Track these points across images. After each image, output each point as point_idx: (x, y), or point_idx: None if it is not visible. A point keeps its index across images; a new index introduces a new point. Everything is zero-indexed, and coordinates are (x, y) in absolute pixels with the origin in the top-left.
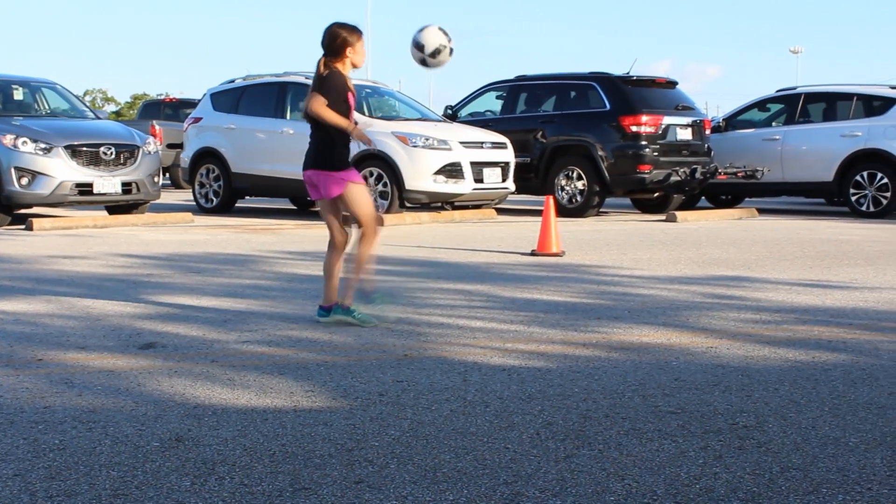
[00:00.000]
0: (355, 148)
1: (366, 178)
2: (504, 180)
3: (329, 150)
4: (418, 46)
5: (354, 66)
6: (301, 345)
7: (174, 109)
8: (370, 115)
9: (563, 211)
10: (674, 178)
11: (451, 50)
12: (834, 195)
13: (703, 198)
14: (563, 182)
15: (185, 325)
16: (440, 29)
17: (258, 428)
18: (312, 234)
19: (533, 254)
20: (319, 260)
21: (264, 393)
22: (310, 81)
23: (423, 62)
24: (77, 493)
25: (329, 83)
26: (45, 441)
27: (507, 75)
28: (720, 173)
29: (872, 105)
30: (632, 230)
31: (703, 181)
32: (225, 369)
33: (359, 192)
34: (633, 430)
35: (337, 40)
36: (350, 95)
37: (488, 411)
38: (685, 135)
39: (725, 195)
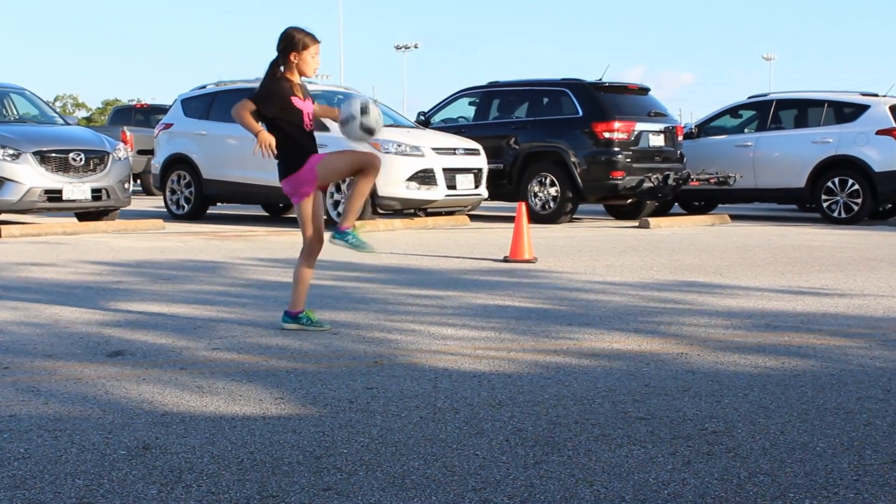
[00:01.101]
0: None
1: (338, 186)
2: (477, 187)
3: (288, 152)
4: (348, 120)
5: (301, 74)
6: (271, 352)
7: (145, 115)
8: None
9: (536, 217)
10: (646, 185)
11: (374, 101)
12: (806, 201)
13: (675, 204)
14: (536, 188)
15: (155, 332)
16: (363, 100)
17: (226, 435)
18: (284, 241)
19: (505, 260)
20: (291, 267)
21: (233, 400)
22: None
23: (368, 129)
24: (42, 502)
25: (263, 88)
26: (10, 450)
27: (480, 81)
28: (693, 180)
29: (843, 112)
30: (605, 236)
31: (675, 187)
32: (194, 377)
33: (330, 158)
34: (603, 437)
35: (282, 43)
36: (296, 100)
37: (458, 418)
38: (658, 141)
39: (698, 201)
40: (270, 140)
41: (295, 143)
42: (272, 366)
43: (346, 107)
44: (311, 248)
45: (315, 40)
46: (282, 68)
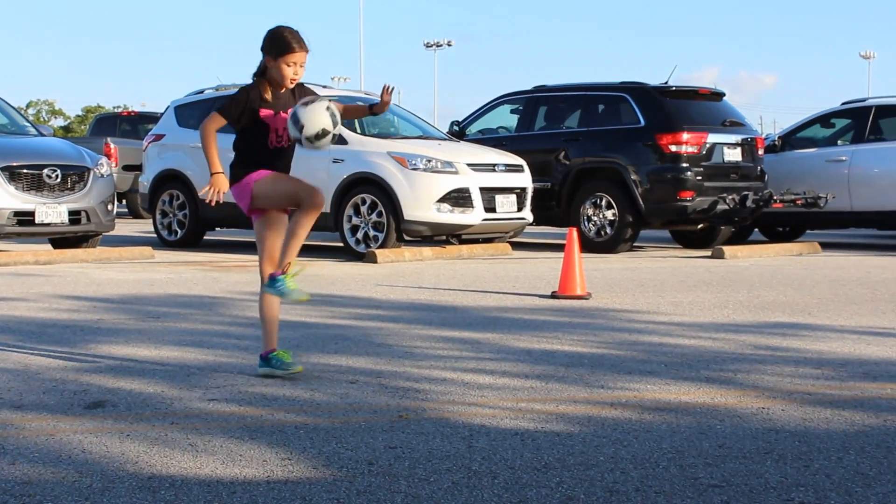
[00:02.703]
0: (349, 168)
1: (357, 206)
2: (520, 209)
3: (242, 162)
4: (296, 122)
5: (273, 85)
6: (277, 403)
7: (133, 125)
8: (362, 133)
9: (589, 245)
10: (721, 207)
11: (335, 136)
12: None
13: (755, 230)
14: (590, 211)
15: (141, 379)
16: (328, 109)
17: (224, 503)
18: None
19: (554, 296)
20: (301, 303)
21: (232, 461)
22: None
23: (299, 141)
24: None
25: (231, 98)
26: None
27: (524, 85)
28: (776, 201)
29: None
30: (671, 268)
31: (755, 210)
32: (186, 433)
33: (268, 182)
34: None
35: (262, 43)
36: (265, 112)
37: (497, 484)
38: (734, 155)
39: (782, 227)
40: (222, 187)
41: (253, 155)
42: (278, 420)
43: (312, 121)
44: (267, 279)
45: (302, 47)
46: (265, 74)
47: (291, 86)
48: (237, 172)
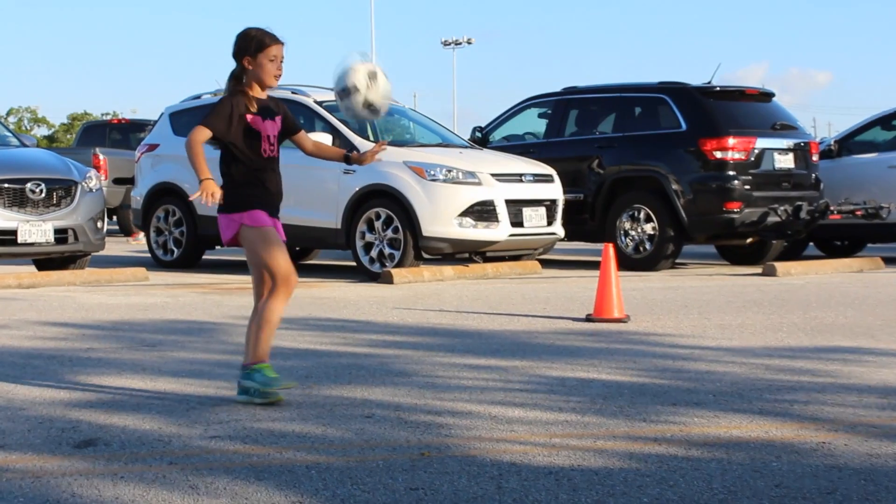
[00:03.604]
0: (361, 179)
1: (371, 222)
2: (550, 223)
3: (234, 184)
4: (347, 92)
5: (259, 84)
6: (286, 440)
7: (123, 134)
8: (375, 141)
9: (627, 262)
10: (772, 219)
11: (385, 74)
12: None
13: (810, 244)
14: (627, 225)
15: (136, 415)
16: (367, 69)
17: None
18: (301, 295)
19: (588, 319)
20: (311, 329)
21: None
22: (299, 97)
23: (371, 106)
24: None
25: (214, 108)
26: None
27: (553, 87)
28: (833, 212)
29: None
30: (718, 287)
31: (810, 222)
32: (187, 473)
33: (255, 237)
34: None
35: (235, 46)
36: (252, 119)
37: None
38: (785, 162)
39: (840, 240)
40: (214, 190)
41: (245, 174)
42: (287, 459)
43: (345, 75)
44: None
45: (275, 40)
46: (244, 80)
47: (276, 83)
48: (230, 201)
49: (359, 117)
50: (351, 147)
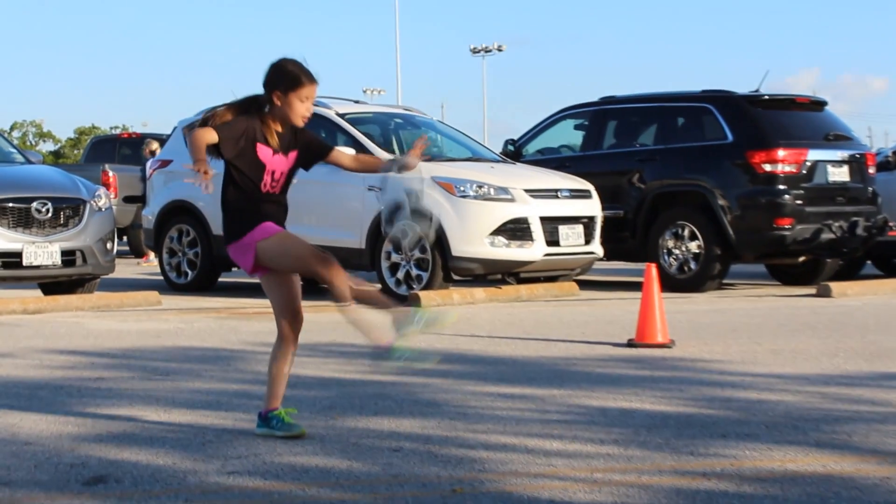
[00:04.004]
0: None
1: (397, 245)
2: (588, 242)
3: (234, 212)
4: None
5: (284, 122)
6: (308, 476)
7: (134, 148)
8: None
9: (671, 283)
10: (825, 236)
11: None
12: None
13: (868, 263)
14: (671, 243)
15: (149, 449)
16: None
17: None
18: (322, 320)
19: (630, 344)
20: (334, 356)
21: None
22: (320, 109)
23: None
24: None
25: (234, 123)
26: None
27: (590, 96)
28: (892, 228)
29: None
30: (768, 309)
31: (867, 239)
32: None
33: (277, 244)
34: None
35: (267, 76)
36: (262, 150)
37: None
38: (840, 175)
39: None
40: (209, 170)
41: (245, 203)
42: (310, 496)
43: (386, 193)
44: (285, 334)
45: (311, 80)
46: (266, 108)
47: (303, 124)
48: (234, 229)
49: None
50: None
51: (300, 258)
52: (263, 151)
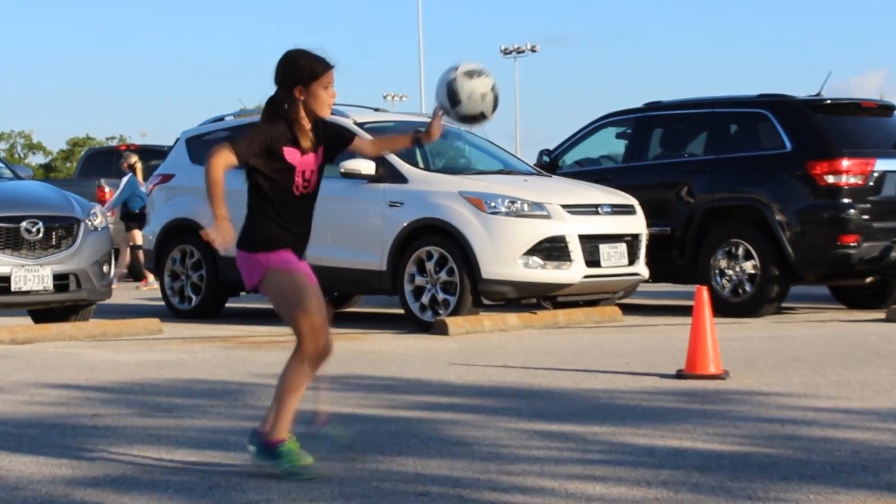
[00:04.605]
0: (410, 212)
1: (421, 262)
2: (632, 262)
3: (256, 219)
4: (452, 95)
5: (312, 114)
6: None
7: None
8: (426, 168)
9: (724, 307)
10: (895, 255)
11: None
12: None
13: None
14: (724, 263)
15: (150, 494)
16: (493, 90)
17: None
18: (343, 349)
19: (680, 376)
20: (353, 389)
21: None
22: (336, 118)
23: (446, 112)
24: None
25: (252, 131)
26: None
27: (632, 102)
28: None
29: None
30: (833, 336)
31: None
32: None
33: (285, 284)
34: None
35: (281, 74)
36: (289, 152)
37: None
38: None
39: None
40: (227, 233)
41: (271, 210)
42: None
43: (472, 102)
44: (308, 350)
45: (327, 65)
46: (285, 106)
47: (330, 112)
48: (252, 238)
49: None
50: (397, 176)
51: (292, 318)
52: (291, 154)
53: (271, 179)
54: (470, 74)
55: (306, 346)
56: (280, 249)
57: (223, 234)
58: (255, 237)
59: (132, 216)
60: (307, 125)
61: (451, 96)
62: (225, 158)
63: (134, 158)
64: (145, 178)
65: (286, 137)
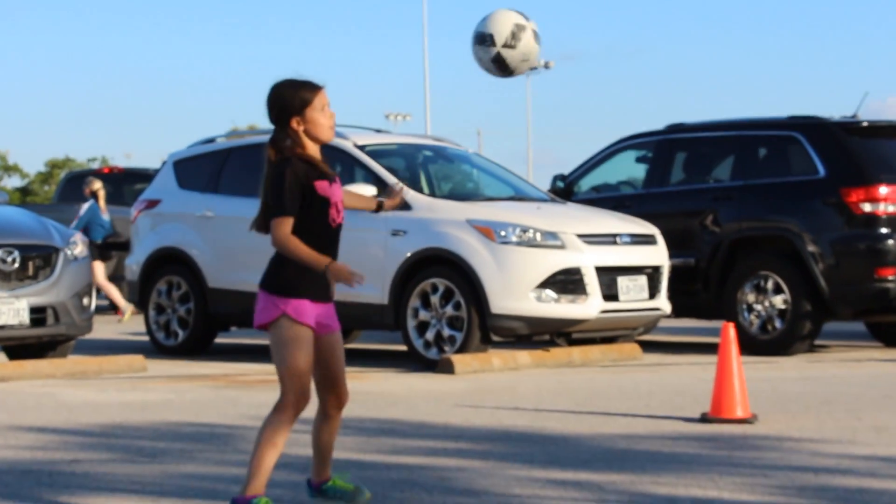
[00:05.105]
0: (414, 242)
1: (426, 296)
2: (652, 296)
3: (282, 262)
4: (484, 40)
5: (315, 140)
6: None
7: (116, 185)
8: (432, 194)
9: (752, 345)
10: None
11: (535, 33)
12: None
13: None
14: (752, 298)
15: None
16: (509, 9)
17: None
18: None
19: (704, 419)
20: (351, 432)
21: None
22: (336, 140)
23: (501, 64)
24: None
25: (285, 185)
26: None
27: (653, 123)
28: None
29: None
30: (869, 377)
31: None
32: None
33: (290, 336)
34: None
35: (274, 111)
36: (321, 186)
37: None
38: None
39: None
40: (343, 270)
41: (311, 246)
42: None
43: (486, 20)
44: (327, 402)
45: (315, 87)
46: (288, 142)
47: (333, 134)
48: (274, 281)
49: (488, 72)
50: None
51: (281, 377)
52: (322, 187)
53: (310, 217)
54: (512, 44)
55: (288, 399)
56: (301, 299)
57: (342, 275)
58: (279, 281)
59: (94, 247)
60: (317, 154)
61: (501, 68)
62: (287, 225)
63: (98, 185)
64: (129, 204)
65: (310, 171)
